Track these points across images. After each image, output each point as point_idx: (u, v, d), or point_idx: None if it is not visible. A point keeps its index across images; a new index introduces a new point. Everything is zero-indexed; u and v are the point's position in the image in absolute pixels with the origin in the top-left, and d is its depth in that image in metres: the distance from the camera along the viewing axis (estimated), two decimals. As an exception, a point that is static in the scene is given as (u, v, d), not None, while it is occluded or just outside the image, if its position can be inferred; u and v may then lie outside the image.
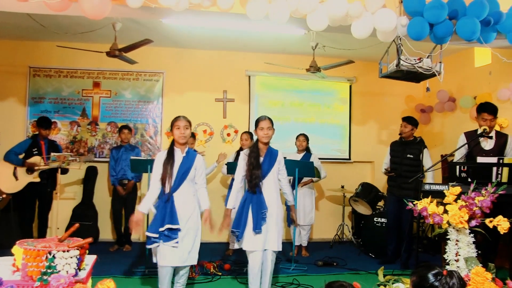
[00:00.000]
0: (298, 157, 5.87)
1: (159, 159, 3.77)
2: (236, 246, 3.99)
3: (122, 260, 5.37)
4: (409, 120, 5.50)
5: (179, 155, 3.78)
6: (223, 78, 6.97)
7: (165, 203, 3.65)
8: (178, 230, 3.64)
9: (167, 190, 3.69)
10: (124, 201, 6.04)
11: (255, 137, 4.12)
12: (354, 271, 5.15)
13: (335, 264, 5.44)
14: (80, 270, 2.49)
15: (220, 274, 4.86)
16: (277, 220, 3.92)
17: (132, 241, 6.17)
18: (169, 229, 3.61)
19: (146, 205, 3.67)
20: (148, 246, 3.73)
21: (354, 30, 3.87)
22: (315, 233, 6.90)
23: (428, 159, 5.32)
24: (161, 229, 3.59)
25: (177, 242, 3.62)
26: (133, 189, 6.04)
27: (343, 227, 6.80)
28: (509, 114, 5.55)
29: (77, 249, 2.44)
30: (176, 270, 3.80)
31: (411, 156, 5.37)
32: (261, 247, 3.82)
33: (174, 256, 3.65)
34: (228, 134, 6.96)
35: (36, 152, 5.46)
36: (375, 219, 5.97)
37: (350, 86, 7.39)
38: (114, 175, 5.95)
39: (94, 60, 6.29)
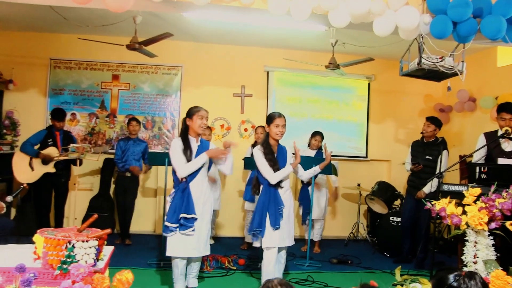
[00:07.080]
0: (312, 153, 5.83)
1: (177, 146, 3.78)
2: (257, 244, 3.97)
3: (137, 252, 5.43)
4: (433, 120, 5.40)
5: (194, 145, 3.83)
6: (241, 73, 6.97)
7: (182, 192, 3.70)
8: (194, 219, 3.69)
9: (183, 179, 3.72)
10: (124, 193, 5.92)
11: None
12: (368, 270, 5.13)
13: (349, 262, 5.42)
14: (98, 260, 2.53)
15: (235, 268, 4.88)
16: (290, 216, 3.94)
17: (139, 234, 6.22)
18: (185, 218, 3.67)
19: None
20: (165, 235, 3.77)
21: (376, 27, 3.83)
22: (329, 231, 6.83)
23: (444, 161, 5.21)
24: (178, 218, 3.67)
25: (193, 230, 3.68)
26: (133, 181, 5.97)
27: (358, 225, 6.76)
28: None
29: (96, 239, 2.47)
30: (188, 261, 3.84)
31: (430, 157, 5.29)
32: (277, 244, 3.83)
33: (188, 247, 3.69)
34: (246, 129, 6.96)
35: (51, 143, 5.51)
36: (390, 218, 5.93)
37: (369, 84, 7.33)
38: (120, 162, 5.89)
39: (114, 53, 6.34)
